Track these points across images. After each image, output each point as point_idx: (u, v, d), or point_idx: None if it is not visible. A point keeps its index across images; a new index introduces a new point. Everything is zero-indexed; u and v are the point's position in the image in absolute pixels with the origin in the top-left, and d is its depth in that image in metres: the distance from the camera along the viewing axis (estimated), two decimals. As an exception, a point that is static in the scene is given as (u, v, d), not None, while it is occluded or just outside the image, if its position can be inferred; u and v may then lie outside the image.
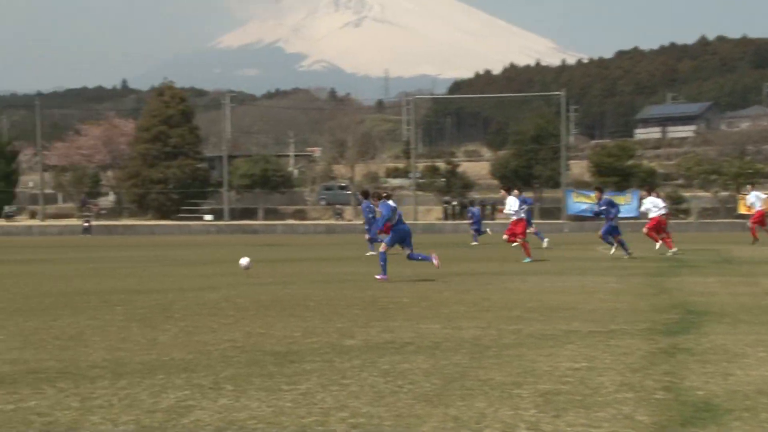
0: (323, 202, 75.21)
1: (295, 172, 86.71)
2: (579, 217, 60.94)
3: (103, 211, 72.46)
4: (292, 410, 5.92)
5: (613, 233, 23.74)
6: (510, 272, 18.35)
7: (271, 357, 7.95)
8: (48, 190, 77.71)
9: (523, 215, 22.91)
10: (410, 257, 16.47)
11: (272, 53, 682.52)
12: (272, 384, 6.76)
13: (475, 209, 37.48)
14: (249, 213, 71.63)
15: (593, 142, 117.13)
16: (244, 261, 17.51)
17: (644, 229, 25.78)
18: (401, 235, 16.33)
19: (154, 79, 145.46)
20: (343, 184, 76.93)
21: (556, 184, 69.66)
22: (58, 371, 7.32)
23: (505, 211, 23.13)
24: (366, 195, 26.16)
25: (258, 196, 72.81)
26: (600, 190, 25.02)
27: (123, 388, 6.62)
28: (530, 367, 7.36)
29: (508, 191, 22.99)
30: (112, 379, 6.99)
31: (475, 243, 33.72)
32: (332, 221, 66.22)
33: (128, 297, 13.50)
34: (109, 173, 78.81)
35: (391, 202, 16.46)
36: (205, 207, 71.36)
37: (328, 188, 77.22)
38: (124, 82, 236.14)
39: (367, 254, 24.89)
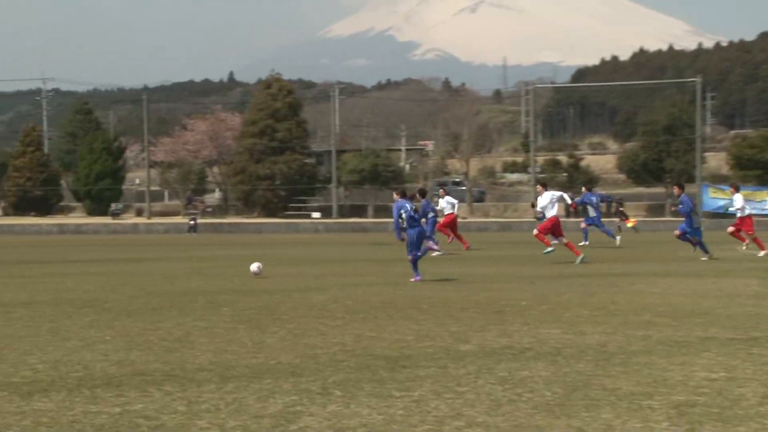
0: (436, 198, 75.36)
1: (407, 166, 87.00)
2: (716, 214, 59.10)
3: (209, 209, 74.31)
4: (404, 418, 5.95)
5: (687, 232, 23.30)
6: (638, 273, 17.96)
7: (382, 362, 8.01)
8: (154, 187, 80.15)
9: (554, 212, 22.40)
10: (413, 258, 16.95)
11: (383, 42, 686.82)
12: (383, 390, 6.81)
13: None
14: (358, 210, 72.28)
15: (733, 132, 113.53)
16: (254, 266, 17.82)
17: (730, 228, 25.49)
18: (415, 242, 16.92)
19: (261, 72, 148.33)
20: (457, 180, 76.79)
21: (690, 179, 67.73)
22: (164, 374, 7.56)
23: (538, 208, 23.32)
24: (423, 194, 27.43)
25: (368, 192, 73.38)
26: (680, 186, 24.09)
27: (230, 392, 6.78)
28: (661, 376, 7.20)
29: (545, 187, 23.05)
30: (219, 382, 7.18)
31: (554, 242, 33.26)
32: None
33: (235, 298, 13.82)
34: (215, 169, 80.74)
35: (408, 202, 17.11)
36: (312, 204, 72.36)
37: (441, 184, 77.17)
38: (231, 74, 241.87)
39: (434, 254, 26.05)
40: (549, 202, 22.22)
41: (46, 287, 16.02)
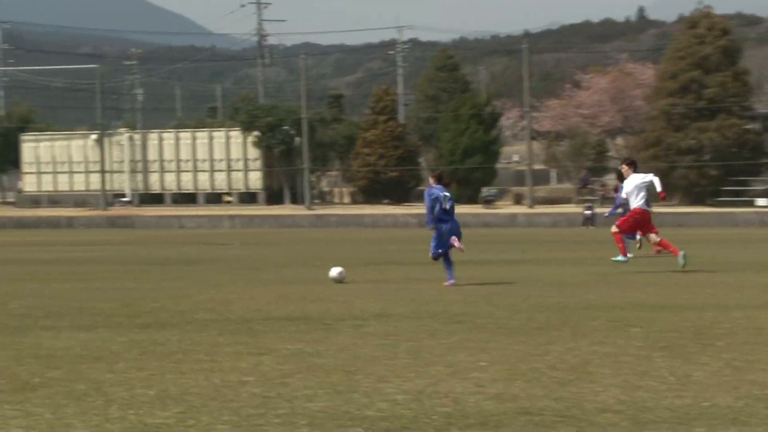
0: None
1: None
2: None
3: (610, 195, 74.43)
4: None
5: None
6: None
7: None
8: (538, 166, 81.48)
9: (643, 205, 21.66)
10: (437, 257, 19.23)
11: None
12: None
13: None
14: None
15: None
16: (334, 271, 19.46)
17: None
18: (446, 237, 19.14)
19: (682, 5, 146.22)
20: None
21: None
22: (556, 413, 7.70)
23: (622, 195, 22.90)
24: (621, 176, 26.50)
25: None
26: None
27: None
28: None
29: (633, 168, 22.35)
30: (631, 428, 7.23)
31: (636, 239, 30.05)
32: None
33: (649, 315, 13.77)
34: (619, 141, 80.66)
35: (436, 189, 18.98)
36: (757, 187, 70.18)
37: None
38: (641, 11, 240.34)
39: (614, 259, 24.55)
40: (635, 187, 21.72)
41: (402, 295, 16.87)
